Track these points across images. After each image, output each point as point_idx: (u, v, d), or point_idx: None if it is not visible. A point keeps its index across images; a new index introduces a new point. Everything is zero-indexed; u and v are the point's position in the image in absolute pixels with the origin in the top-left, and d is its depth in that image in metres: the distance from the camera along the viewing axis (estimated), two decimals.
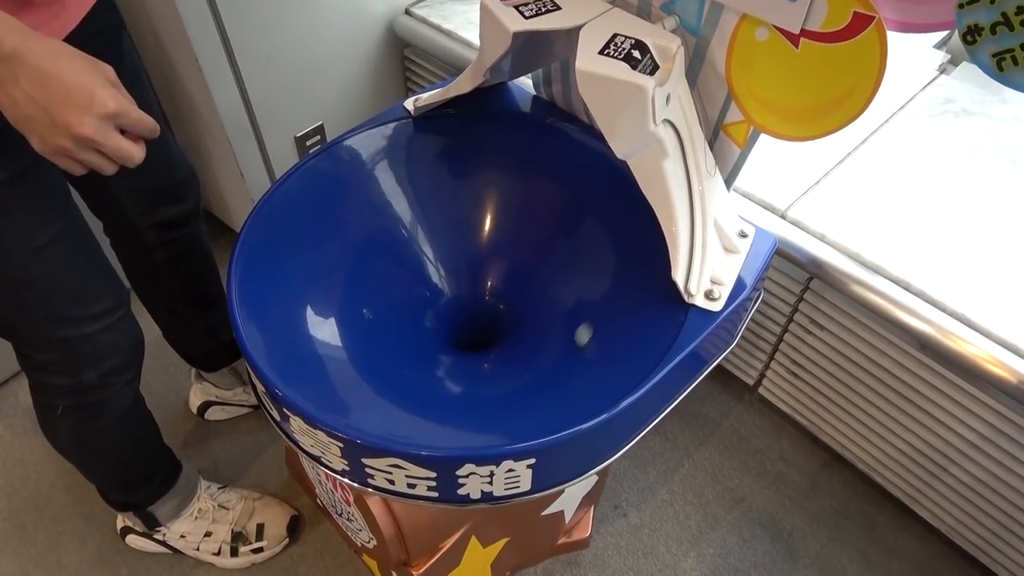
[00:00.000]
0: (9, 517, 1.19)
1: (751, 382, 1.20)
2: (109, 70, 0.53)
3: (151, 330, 1.15)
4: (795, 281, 1.00)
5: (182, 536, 1.08)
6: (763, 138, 0.70)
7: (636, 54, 0.63)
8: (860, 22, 0.57)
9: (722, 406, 1.30)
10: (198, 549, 1.09)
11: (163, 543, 1.10)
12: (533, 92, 0.91)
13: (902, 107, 1.12)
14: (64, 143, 0.50)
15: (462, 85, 0.83)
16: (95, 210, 0.92)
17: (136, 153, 0.54)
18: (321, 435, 0.62)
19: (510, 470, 0.61)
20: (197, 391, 1.28)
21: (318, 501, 1.09)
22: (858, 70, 0.59)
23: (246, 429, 1.30)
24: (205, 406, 1.28)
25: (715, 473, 1.22)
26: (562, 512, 0.99)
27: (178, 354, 1.19)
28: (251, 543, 1.10)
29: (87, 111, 0.50)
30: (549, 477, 0.65)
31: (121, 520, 1.12)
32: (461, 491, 0.63)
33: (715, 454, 1.24)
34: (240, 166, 1.24)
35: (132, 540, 1.12)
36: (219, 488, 1.13)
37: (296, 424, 0.64)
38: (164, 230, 0.94)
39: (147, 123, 0.54)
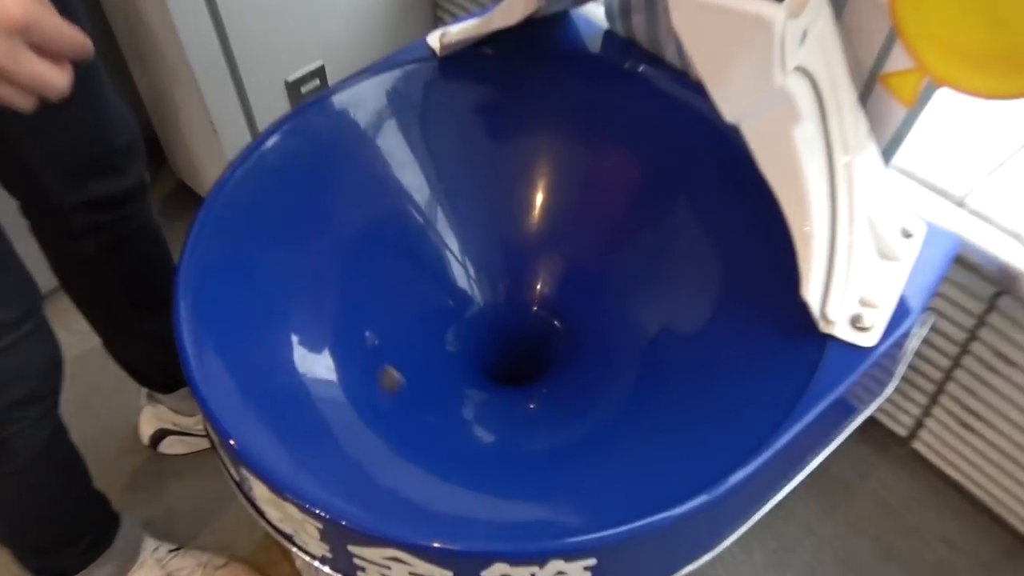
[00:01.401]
0: None
1: (903, 432, 1.13)
2: None
3: (91, 337, 1.13)
4: (974, 297, 0.93)
5: None
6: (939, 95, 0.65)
7: None
8: None
9: (859, 463, 1.23)
10: None
11: None
12: (605, 25, 0.87)
13: None
14: None
15: (508, 14, 0.80)
16: (6, 184, 0.90)
17: (58, 79, 0.50)
18: (291, 509, 0.57)
19: (560, 572, 0.56)
20: (149, 416, 1.26)
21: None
22: None
23: (211, 468, 1.26)
24: (159, 436, 1.26)
25: (848, 559, 1.15)
26: None
27: (122, 368, 1.16)
28: None
29: None
30: None
31: None
32: None
33: (848, 531, 1.17)
34: (212, 118, 1.23)
35: None
36: (170, 551, 1.10)
37: (259, 491, 0.60)
38: (97, 211, 0.91)
39: (71, 37, 0.50)
